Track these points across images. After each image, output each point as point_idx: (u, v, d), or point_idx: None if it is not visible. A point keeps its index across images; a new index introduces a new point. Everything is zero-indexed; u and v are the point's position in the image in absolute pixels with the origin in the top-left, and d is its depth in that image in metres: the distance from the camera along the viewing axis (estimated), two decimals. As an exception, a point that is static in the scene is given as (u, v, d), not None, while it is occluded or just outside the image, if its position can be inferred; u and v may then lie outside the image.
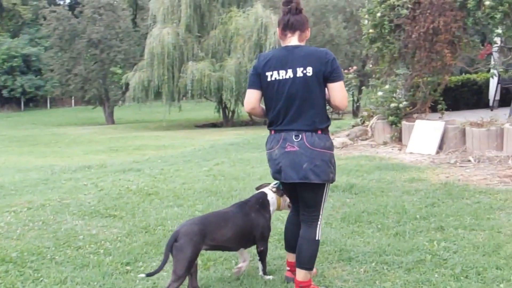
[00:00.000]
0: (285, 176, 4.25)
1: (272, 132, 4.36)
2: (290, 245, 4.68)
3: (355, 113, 34.65)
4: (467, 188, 7.48)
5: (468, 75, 13.85)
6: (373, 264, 5.02)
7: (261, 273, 4.86)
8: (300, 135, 4.18)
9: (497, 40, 11.07)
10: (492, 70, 11.83)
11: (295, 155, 4.18)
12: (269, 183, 5.08)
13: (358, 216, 6.42)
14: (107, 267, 5.14)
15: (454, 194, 7.17)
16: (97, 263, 5.24)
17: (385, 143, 11.04)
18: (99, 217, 6.85)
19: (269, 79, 4.24)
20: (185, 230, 4.33)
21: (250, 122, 35.83)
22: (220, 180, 8.73)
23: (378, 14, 11.03)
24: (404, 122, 10.80)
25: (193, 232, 4.34)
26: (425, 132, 10.15)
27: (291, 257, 4.69)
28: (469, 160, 9.08)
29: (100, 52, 38.31)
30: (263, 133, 17.13)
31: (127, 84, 32.92)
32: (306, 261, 4.40)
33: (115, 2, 41.59)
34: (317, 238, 4.42)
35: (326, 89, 4.26)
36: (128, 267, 5.13)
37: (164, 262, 4.26)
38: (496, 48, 11.26)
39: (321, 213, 4.42)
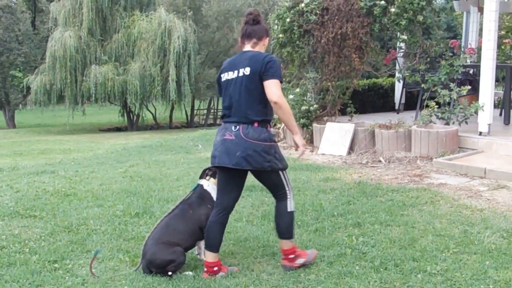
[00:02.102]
0: (219, 160, 4.76)
1: (222, 123, 4.93)
2: (212, 244, 4.88)
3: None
4: (380, 186, 7.77)
5: (374, 79, 14.28)
6: (296, 258, 5.19)
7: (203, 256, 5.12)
8: (238, 126, 4.72)
9: (402, 45, 11.48)
10: (397, 75, 12.29)
11: (230, 143, 4.70)
12: (208, 168, 5.35)
13: (277, 214, 6.58)
14: (35, 265, 5.11)
15: (368, 192, 7.44)
16: (24, 262, 5.19)
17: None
18: (19, 218, 6.71)
19: (223, 79, 4.91)
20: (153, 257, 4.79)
21: (155, 126, 35.69)
22: (138, 181, 8.68)
23: (288, 20, 11.20)
24: (315, 125, 11.03)
25: (161, 250, 4.77)
26: (336, 134, 10.43)
27: (211, 257, 4.87)
28: (380, 161, 9.41)
29: (-1, 55, 37.12)
30: (171, 136, 17.21)
31: (28, 88, 32.08)
32: (285, 231, 4.94)
33: (14, 5, 40.32)
34: (289, 210, 4.91)
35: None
36: (56, 265, 5.12)
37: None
38: (401, 54, 11.68)
39: (286, 190, 4.91)
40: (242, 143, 4.65)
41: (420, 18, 9.89)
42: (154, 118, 36.54)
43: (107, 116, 39.35)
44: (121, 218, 6.62)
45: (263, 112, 4.77)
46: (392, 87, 14.00)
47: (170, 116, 36.50)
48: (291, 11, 11.18)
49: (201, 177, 5.32)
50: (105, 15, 31.89)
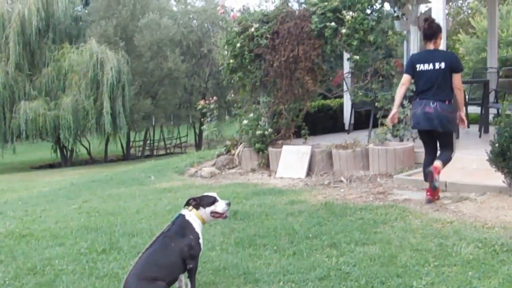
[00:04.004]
0: (422, 125, 7.35)
1: (418, 99, 7.41)
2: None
3: (198, 145, 34.81)
4: (347, 206, 7.76)
5: (322, 101, 14.39)
6: (280, 283, 5.10)
7: None
8: (435, 103, 7.16)
9: (352, 65, 11.56)
10: (347, 95, 12.39)
11: (430, 115, 7.17)
12: (193, 198, 5.17)
13: (251, 240, 6.46)
14: (3, 312, 4.81)
15: (336, 212, 7.41)
16: (-9, 309, 4.89)
17: (253, 170, 11.16)
18: (-24, 263, 6.32)
19: (418, 69, 7.33)
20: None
21: (90, 161, 34.95)
22: (96, 216, 8.37)
23: (238, 45, 11.18)
24: (270, 149, 11.00)
25: (143, 286, 4.50)
26: (293, 157, 10.43)
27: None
28: (341, 181, 9.43)
29: None
30: (109, 170, 16.77)
31: (-47, 127, 30.91)
32: (445, 160, 7.45)
33: None
34: (449, 156, 7.53)
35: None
36: (25, 310, 4.84)
37: None
38: (350, 74, 11.79)
39: (450, 145, 7.56)
40: (438, 114, 7.12)
41: (371, 38, 10.03)
42: (89, 152, 35.84)
43: (39, 153, 38.22)
44: (87, 255, 6.34)
45: (450, 94, 7.22)
46: (340, 108, 14.14)
47: (105, 150, 35.81)
48: (241, 36, 11.16)
49: (185, 205, 5.15)
50: (33, 48, 31.14)
